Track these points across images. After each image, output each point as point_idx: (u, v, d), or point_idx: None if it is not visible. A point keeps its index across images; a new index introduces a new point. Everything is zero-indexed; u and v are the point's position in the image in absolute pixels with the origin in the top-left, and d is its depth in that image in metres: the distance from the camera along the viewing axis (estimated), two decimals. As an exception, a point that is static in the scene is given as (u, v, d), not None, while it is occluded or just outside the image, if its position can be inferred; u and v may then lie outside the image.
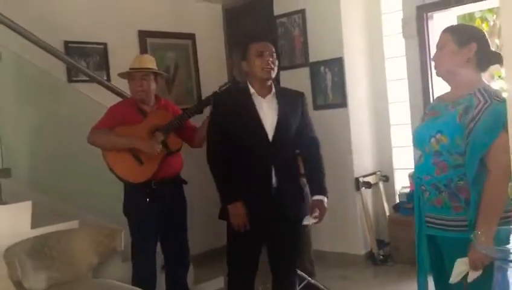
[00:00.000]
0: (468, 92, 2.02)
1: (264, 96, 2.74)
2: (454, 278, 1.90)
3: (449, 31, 2.13)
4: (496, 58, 2.07)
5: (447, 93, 2.22)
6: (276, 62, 2.75)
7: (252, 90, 2.73)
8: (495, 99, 1.96)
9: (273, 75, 2.74)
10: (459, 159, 1.98)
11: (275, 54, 2.74)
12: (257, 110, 2.70)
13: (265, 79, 2.72)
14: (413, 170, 2.48)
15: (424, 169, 2.09)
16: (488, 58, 2.08)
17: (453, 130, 1.98)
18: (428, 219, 2.10)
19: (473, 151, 1.93)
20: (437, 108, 2.17)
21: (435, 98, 2.34)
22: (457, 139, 1.97)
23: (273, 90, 2.77)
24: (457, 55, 2.06)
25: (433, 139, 2.02)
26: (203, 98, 3.38)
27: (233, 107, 2.74)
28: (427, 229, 2.11)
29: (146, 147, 2.94)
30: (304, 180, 2.93)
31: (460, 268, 1.89)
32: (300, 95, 2.90)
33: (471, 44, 2.05)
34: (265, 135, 2.68)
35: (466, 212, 1.97)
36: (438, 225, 2.06)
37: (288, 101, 2.78)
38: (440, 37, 2.14)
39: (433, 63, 2.19)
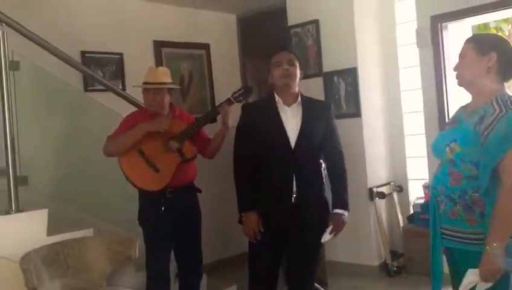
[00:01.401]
0: (486, 101, 2.00)
1: (289, 105, 2.77)
2: (464, 287, 1.88)
3: (470, 40, 2.12)
4: None
5: (468, 103, 2.19)
6: (296, 70, 2.77)
7: (277, 98, 2.77)
8: (510, 108, 1.92)
9: (292, 82, 2.75)
10: (473, 169, 1.96)
11: (295, 62, 2.77)
12: (281, 117, 2.74)
13: (284, 86, 2.75)
14: (427, 180, 2.47)
15: (440, 179, 2.08)
16: (510, 67, 2.05)
17: (467, 138, 1.97)
18: (444, 231, 2.08)
19: (486, 160, 1.90)
20: (457, 118, 2.16)
21: (455, 108, 2.32)
22: (469, 147, 1.96)
23: (299, 99, 2.79)
24: (477, 65, 2.04)
25: (447, 148, 2.02)
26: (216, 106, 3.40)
27: (259, 115, 2.79)
28: (443, 241, 2.09)
29: (154, 125, 2.97)
30: (327, 191, 2.93)
31: (470, 278, 1.88)
32: (327, 106, 2.97)
33: (491, 53, 2.01)
34: (288, 142, 2.70)
35: (481, 226, 1.95)
36: (455, 237, 2.04)
37: (314, 111, 2.81)
38: (462, 46, 2.13)
39: (454, 73, 2.17)
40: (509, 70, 2.05)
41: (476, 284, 1.88)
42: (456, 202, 2.01)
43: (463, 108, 2.21)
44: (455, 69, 2.15)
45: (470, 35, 3.77)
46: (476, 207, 1.97)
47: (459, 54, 2.12)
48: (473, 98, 2.13)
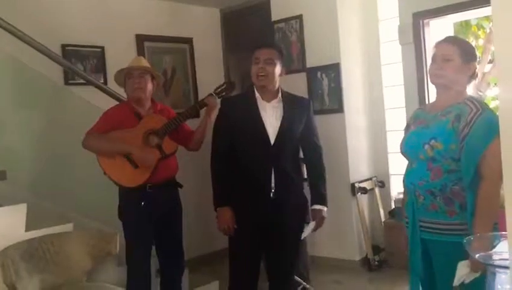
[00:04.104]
0: (456, 101, 2.10)
1: (269, 100, 2.77)
2: (457, 280, 1.91)
3: (456, 45, 2.16)
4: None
5: (431, 104, 2.32)
6: (274, 69, 2.71)
7: (257, 94, 2.77)
8: (485, 107, 2.04)
9: (268, 82, 2.73)
10: (453, 164, 2.03)
11: (275, 60, 2.72)
12: (260, 113, 2.73)
13: (259, 86, 2.74)
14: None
15: (418, 174, 2.13)
16: (475, 75, 2.20)
17: (447, 136, 2.04)
18: (422, 224, 2.13)
19: (469, 158, 1.98)
20: (422, 117, 2.23)
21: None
22: (451, 144, 2.03)
23: (279, 95, 2.79)
24: (461, 71, 2.13)
25: (427, 146, 2.07)
26: (199, 100, 3.38)
27: (239, 110, 2.78)
28: (422, 233, 2.14)
29: (140, 156, 2.94)
30: (306, 186, 2.95)
31: (462, 271, 1.90)
32: (306, 101, 2.97)
33: (473, 63, 2.15)
34: (267, 137, 2.71)
35: (460, 217, 2.02)
36: (434, 229, 2.09)
37: (294, 106, 2.81)
38: (443, 47, 2.17)
39: (431, 72, 2.22)
40: (474, 78, 2.22)
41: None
42: (436, 195, 2.07)
43: (424, 109, 2.33)
44: (435, 68, 2.17)
45: (450, 35, 3.85)
46: (455, 199, 2.04)
47: (444, 55, 2.15)
48: (442, 97, 2.20)
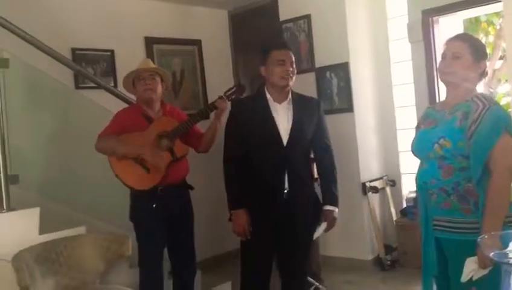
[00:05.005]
0: (464, 99, 2.09)
1: (280, 102, 2.78)
2: (465, 277, 1.91)
3: (467, 42, 2.13)
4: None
5: (441, 103, 2.30)
6: (295, 71, 2.78)
7: (268, 95, 2.77)
8: (492, 103, 2.03)
9: (291, 83, 2.77)
10: (464, 161, 2.02)
11: (294, 64, 2.77)
12: (272, 114, 2.74)
13: (282, 86, 2.75)
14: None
15: (430, 173, 2.11)
16: (485, 73, 2.18)
17: (455, 134, 2.03)
18: (436, 223, 2.12)
19: (477, 154, 1.96)
20: (432, 117, 2.22)
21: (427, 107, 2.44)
22: (459, 142, 2.01)
23: (290, 96, 2.80)
24: (472, 69, 2.11)
25: (436, 145, 2.06)
26: (209, 103, 3.39)
27: (250, 112, 2.78)
28: (435, 232, 2.13)
29: (151, 158, 2.95)
30: (317, 185, 2.95)
31: (470, 267, 1.90)
32: (316, 102, 2.98)
33: (483, 61, 2.13)
34: (280, 139, 2.71)
35: (475, 215, 1.99)
36: (448, 228, 2.08)
37: (304, 107, 2.82)
38: (454, 44, 2.15)
39: (440, 69, 2.20)
40: (484, 76, 2.19)
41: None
42: (449, 193, 2.05)
43: (434, 107, 2.30)
44: (445, 66, 2.16)
45: (461, 31, 3.83)
46: (470, 197, 2.02)
47: (454, 52, 2.13)
48: (451, 95, 2.18)
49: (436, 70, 4.00)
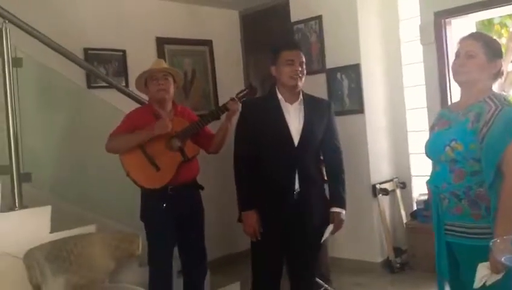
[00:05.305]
0: (477, 100, 2.05)
1: (291, 102, 2.78)
2: (478, 282, 1.88)
3: (481, 41, 2.08)
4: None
5: (455, 103, 2.25)
6: (305, 72, 2.78)
7: (279, 96, 2.78)
8: (505, 104, 1.98)
9: (300, 84, 2.76)
10: (476, 165, 1.98)
11: (304, 64, 2.77)
12: (284, 115, 2.74)
13: (292, 87, 2.75)
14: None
15: (441, 177, 2.09)
16: (500, 72, 2.12)
17: (466, 136, 1.99)
18: (448, 227, 2.09)
19: (489, 156, 1.92)
20: (446, 118, 2.18)
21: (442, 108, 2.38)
22: (471, 145, 1.97)
23: (301, 97, 2.80)
24: (486, 69, 2.07)
25: (447, 148, 2.02)
26: (220, 103, 3.40)
27: (261, 112, 2.79)
28: (447, 236, 2.10)
29: (158, 129, 2.95)
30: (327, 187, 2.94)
31: (482, 272, 1.88)
32: (326, 103, 2.99)
33: (497, 61, 2.07)
34: (291, 139, 2.71)
35: (486, 221, 1.96)
36: (459, 233, 2.05)
37: (315, 108, 2.82)
38: (467, 43, 2.10)
39: (453, 68, 2.15)
40: (499, 76, 2.12)
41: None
42: (461, 198, 2.02)
43: (449, 108, 2.27)
44: (458, 65, 2.11)
45: (474, 31, 3.79)
46: (481, 202, 1.98)
47: (468, 51, 2.08)
48: (464, 97, 2.14)
49: (448, 72, 3.98)
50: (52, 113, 3.64)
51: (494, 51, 2.08)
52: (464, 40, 2.13)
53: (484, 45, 2.07)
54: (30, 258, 2.62)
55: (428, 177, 2.21)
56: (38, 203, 3.04)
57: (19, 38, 3.16)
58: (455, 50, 2.17)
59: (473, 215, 2.00)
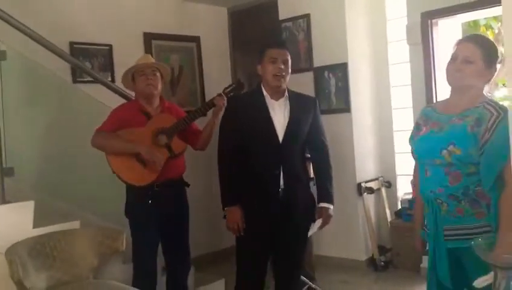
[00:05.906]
0: (473, 104, 2.00)
1: (276, 99, 2.78)
2: (480, 283, 1.86)
3: (481, 47, 2.02)
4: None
5: (442, 104, 2.19)
6: (289, 70, 2.76)
7: (265, 92, 2.77)
8: (504, 110, 1.93)
9: (283, 83, 2.76)
10: (472, 167, 1.96)
11: (289, 62, 2.76)
12: (269, 111, 2.74)
13: (275, 86, 2.74)
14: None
15: (436, 181, 2.03)
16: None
17: (466, 140, 1.95)
18: (448, 232, 2.03)
19: (490, 165, 1.89)
20: (435, 119, 2.11)
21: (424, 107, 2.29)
22: (470, 149, 1.94)
23: (286, 94, 2.80)
24: (483, 75, 2.03)
25: (445, 152, 1.97)
26: (207, 100, 3.39)
27: (246, 108, 2.78)
28: (447, 243, 2.03)
29: (148, 155, 2.93)
30: (312, 185, 2.95)
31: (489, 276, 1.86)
32: (312, 100, 2.98)
33: (495, 66, 2.03)
34: (276, 136, 2.71)
35: (488, 218, 1.95)
36: (462, 235, 1.99)
37: (301, 105, 2.82)
38: (466, 47, 2.03)
39: (449, 71, 2.07)
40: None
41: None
42: (460, 199, 1.99)
43: (431, 108, 2.20)
44: (455, 69, 2.04)
45: (459, 35, 3.81)
46: (481, 200, 1.97)
47: (466, 56, 2.01)
48: (457, 99, 2.08)
49: (434, 72, 4.01)
50: (36, 107, 3.59)
51: (492, 58, 2.02)
52: (462, 44, 2.07)
53: (483, 51, 2.00)
54: (12, 253, 2.59)
55: (412, 177, 2.17)
56: (21, 198, 3.01)
57: (3, 31, 3.11)
58: (452, 51, 2.09)
59: (475, 215, 1.98)
